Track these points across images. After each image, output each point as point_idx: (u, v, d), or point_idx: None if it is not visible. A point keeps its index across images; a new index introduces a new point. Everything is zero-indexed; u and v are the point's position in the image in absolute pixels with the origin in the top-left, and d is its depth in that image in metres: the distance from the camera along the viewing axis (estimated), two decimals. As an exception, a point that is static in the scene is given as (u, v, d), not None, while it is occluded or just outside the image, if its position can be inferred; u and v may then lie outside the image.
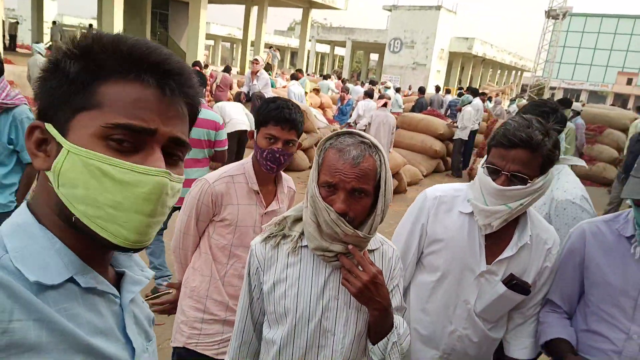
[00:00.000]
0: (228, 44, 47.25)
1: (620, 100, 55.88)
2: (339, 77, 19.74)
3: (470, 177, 9.30)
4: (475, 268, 1.64)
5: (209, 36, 20.94)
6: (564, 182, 2.07)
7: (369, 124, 6.88)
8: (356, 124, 9.75)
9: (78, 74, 0.65)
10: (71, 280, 0.66)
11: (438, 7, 29.53)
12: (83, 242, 0.67)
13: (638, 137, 6.46)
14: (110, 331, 0.71)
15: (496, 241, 1.64)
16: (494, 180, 1.52)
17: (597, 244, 1.65)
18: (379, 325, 1.30)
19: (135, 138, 0.65)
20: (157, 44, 0.70)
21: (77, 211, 0.64)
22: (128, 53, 0.66)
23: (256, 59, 9.78)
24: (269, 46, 20.28)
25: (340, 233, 1.22)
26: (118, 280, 0.77)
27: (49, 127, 0.66)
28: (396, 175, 7.96)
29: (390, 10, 31.48)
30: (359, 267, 1.25)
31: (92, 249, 0.69)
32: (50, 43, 12.40)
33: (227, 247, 1.94)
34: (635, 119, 10.50)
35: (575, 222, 1.90)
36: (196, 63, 10.09)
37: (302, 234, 1.34)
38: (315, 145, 9.48)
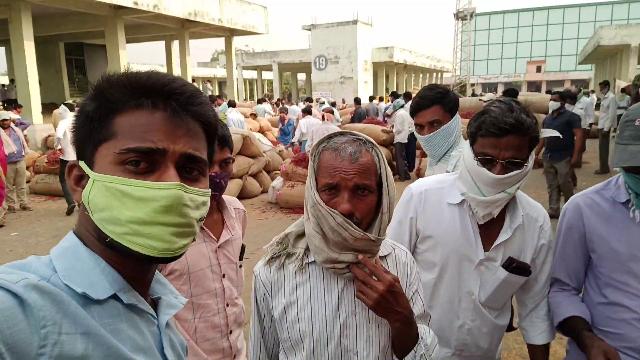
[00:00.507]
0: (152, 82, 46.02)
1: (534, 87, 60.10)
2: (270, 99, 19.93)
3: (419, 177, 9.51)
4: (474, 257, 1.61)
5: (131, 76, 20.34)
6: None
7: (312, 139, 6.83)
8: (300, 143, 9.77)
9: (95, 111, 0.73)
10: (114, 297, 0.71)
11: (355, 22, 30.49)
12: (123, 262, 0.74)
13: (552, 115, 6.97)
14: (150, 350, 0.74)
15: (489, 227, 1.62)
16: (489, 170, 1.49)
17: (594, 216, 1.62)
18: (402, 337, 1.19)
19: (148, 159, 0.71)
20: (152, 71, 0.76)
21: (108, 231, 0.70)
22: (132, 85, 0.73)
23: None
24: (205, 80, 20.20)
25: (349, 238, 1.13)
26: (154, 307, 0.82)
27: (81, 163, 0.74)
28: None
29: (309, 29, 32.14)
30: (373, 277, 1.15)
31: (132, 269, 0.75)
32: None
33: (189, 300, 1.69)
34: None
35: None
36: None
37: (307, 249, 1.24)
38: (264, 169, 9.34)
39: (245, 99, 34.92)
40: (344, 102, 22.51)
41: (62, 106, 9.24)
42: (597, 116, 10.81)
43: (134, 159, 0.70)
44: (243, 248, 1.89)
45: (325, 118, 7.32)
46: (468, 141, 1.60)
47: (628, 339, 1.55)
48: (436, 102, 2.20)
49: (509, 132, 1.45)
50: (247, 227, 2.05)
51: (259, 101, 18.30)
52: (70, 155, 7.95)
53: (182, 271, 1.69)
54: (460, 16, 44.20)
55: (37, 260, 0.71)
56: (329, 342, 1.20)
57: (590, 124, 10.36)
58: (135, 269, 0.76)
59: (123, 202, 0.69)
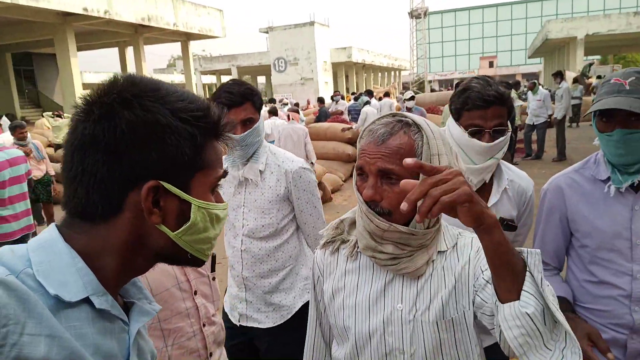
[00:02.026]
0: (106, 91, 44.73)
1: (487, 82, 61.81)
2: None
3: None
4: None
5: (84, 86, 19.63)
6: None
7: (279, 139, 6.77)
8: (266, 144, 9.67)
9: (202, 139, 0.76)
10: (86, 300, 0.69)
11: (312, 23, 30.55)
12: (115, 265, 0.74)
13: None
14: (114, 358, 0.72)
15: (478, 193, 1.70)
16: (478, 139, 1.63)
17: (576, 195, 1.65)
18: (506, 250, 0.86)
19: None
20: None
21: (195, 249, 0.79)
22: (214, 118, 0.78)
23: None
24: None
25: (375, 229, 1.05)
26: (125, 310, 0.79)
27: (168, 186, 0.73)
28: (319, 185, 7.96)
29: (267, 32, 31.99)
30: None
31: (119, 271, 0.75)
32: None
33: (155, 326, 1.47)
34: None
35: None
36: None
37: None
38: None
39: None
40: (308, 102, 22.51)
41: (4, 117, 8.76)
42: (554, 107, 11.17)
43: (217, 185, 0.81)
44: (214, 258, 1.68)
45: (291, 118, 7.25)
46: (451, 118, 1.74)
47: (615, 315, 1.57)
48: (248, 98, 2.03)
49: (493, 103, 1.61)
50: None
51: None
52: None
53: None
54: (414, 15, 45.14)
55: (10, 252, 0.68)
56: (371, 337, 1.12)
57: (550, 115, 10.68)
58: (132, 269, 0.78)
59: (213, 224, 0.80)
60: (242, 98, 2.03)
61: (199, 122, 0.75)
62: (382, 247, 1.09)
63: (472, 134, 1.64)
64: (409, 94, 9.24)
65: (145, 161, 0.71)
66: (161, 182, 0.72)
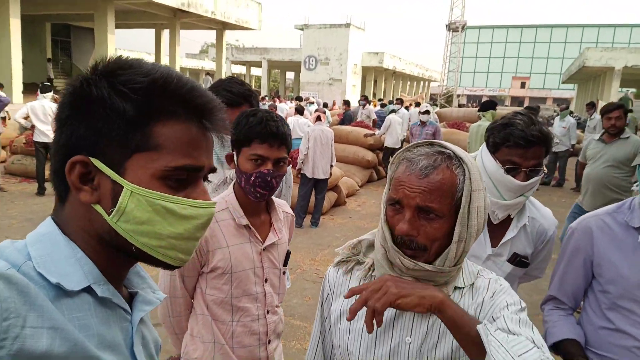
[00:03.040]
0: (138, 70, 45.37)
1: (517, 102, 61.14)
2: (273, 96, 19.91)
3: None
4: (481, 254, 1.73)
5: (117, 62, 20.04)
6: None
7: (307, 140, 6.75)
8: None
9: (136, 115, 0.67)
10: (88, 290, 0.69)
11: (347, 25, 30.52)
12: (104, 257, 0.72)
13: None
14: (118, 347, 0.71)
15: (496, 225, 1.75)
16: (513, 177, 1.61)
17: (606, 239, 1.60)
18: (460, 328, 0.93)
19: (188, 175, 0.72)
20: (187, 77, 0.72)
21: (139, 243, 0.70)
22: (180, 94, 0.70)
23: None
24: (205, 72, 20.37)
25: (400, 266, 1.02)
26: (130, 300, 0.79)
27: (97, 162, 0.68)
28: (335, 188, 7.96)
29: (302, 29, 32.07)
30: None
31: (111, 264, 0.73)
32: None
33: (227, 300, 1.62)
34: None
35: None
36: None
37: None
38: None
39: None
40: (334, 104, 22.54)
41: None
42: (582, 137, 10.84)
43: (178, 177, 0.70)
44: (288, 254, 1.78)
45: (322, 119, 7.24)
46: (486, 149, 1.71)
47: None
48: (247, 99, 2.04)
49: (535, 144, 1.59)
50: None
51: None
52: (44, 135, 7.74)
53: (224, 269, 1.59)
54: (452, 28, 44.73)
55: (11, 245, 0.67)
56: None
57: (572, 145, 10.39)
58: (114, 268, 0.74)
59: (166, 218, 0.70)
60: (241, 99, 2.04)
61: (136, 96, 0.67)
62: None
63: (508, 171, 1.62)
64: (424, 106, 8.71)
65: (77, 135, 0.68)
66: (91, 158, 0.68)
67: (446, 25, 45.21)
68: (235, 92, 2.03)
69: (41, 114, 7.76)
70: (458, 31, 44.29)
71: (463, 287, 1.11)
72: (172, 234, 0.70)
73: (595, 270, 1.64)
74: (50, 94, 8.15)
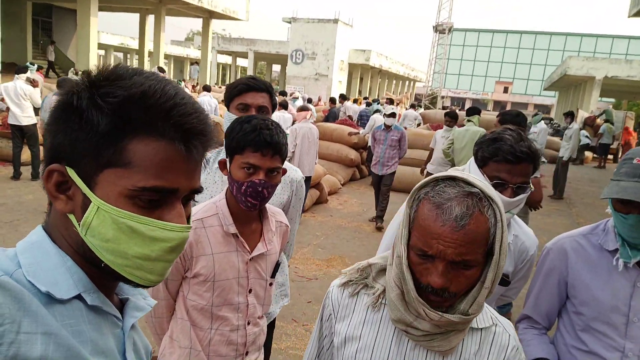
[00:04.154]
0: (121, 54, 44.55)
1: (499, 107, 61.94)
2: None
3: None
4: None
5: (99, 46, 19.52)
6: None
7: (295, 137, 6.69)
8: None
9: (109, 130, 0.65)
10: (78, 297, 0.68)
11: (335, 20, 30.44)
12: (87, 267, 0.71)
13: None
14: (111, 353, 0.72)
15: None
16: (500, 192, 1.58)
17: (580, 261, 1.60)
18: None
19: (160, 196, 0.69)
20: (176, 92, 0.69)
21: (106, 259, 0.69)
22: (157, 109, 0.66)
23: (161, 68, 9.27)
24: (191, 61, 20.20)
25: (424, 316, 0.97)
26: (121, 307, 0.79)
27: (71, 173, 0.68)
28: (317, 185, 7.94)
29: (290, 22, 31.87)
30: None
31: (101, 274, 0.71)
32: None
33: (207, 308, 1.58)
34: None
35: None
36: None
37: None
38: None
39: (217, 84, 34.22)
40: (319, 99, 22.46)
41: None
42: (549, 143, 10.81)
43: (149, 198, 0.67)
44: (277, 265, 1.73)
45: (309, 116, 7.16)
46: (474, 163, 1.69)
47: None
48: (269, 90, 2.11)
49: (524, 160, 1.58)
50: None
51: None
52: (16, 118, 7.51)
53: (207, 277, 1.55)
54: (438, 29, 45.03)
55: (2, 253, 0.68)
56: None
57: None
58: (103, 277, 0.73)
59: (131, 237, 0.67)
60: (264, 86, 2.06)
61: (110, 110, 0.65)
62: (418, 324, 1.00)
63: (495, 186, 1.60)
64: (389, 109, 7.61)
65: (56, 142, 0.69)
66: (67, 167, 0.68)
67: (433, 27, 45.50)
68: (259, 80, 2.09)
69: (13, 95, 7.53)
70: (445, 33, 44.62)
71: (482, 329, 1.07)
72: (139, 255, 0.68)
73: (569, 291, 1.64)
74: (25, 75, 7.90)
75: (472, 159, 1.72)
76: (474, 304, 0.97)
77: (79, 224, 0.68)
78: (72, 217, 0.69)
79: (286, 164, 2.12)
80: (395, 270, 1.02)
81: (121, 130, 0.66)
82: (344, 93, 19.85)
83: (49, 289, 0.65)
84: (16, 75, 7.81)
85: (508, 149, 1.57)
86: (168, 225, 0.69)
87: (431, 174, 5.94)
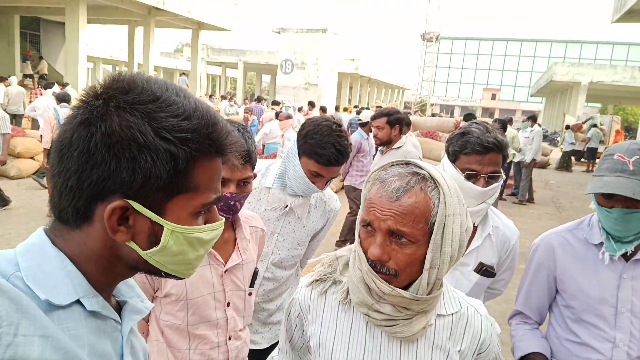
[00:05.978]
0: (110, 67, 44.44)
1: (487, 113, 62.60)
2: (231, 97, 20.06)
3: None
4: None
5: (88, 58, 19.46)
6: None
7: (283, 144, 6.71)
8: (263, 146, 9.66)
9: (185, 161, 0.69)
10: (77, 302, 0.69)
11: (324, 31, 30.66)
12: (102, 270, 0.73)
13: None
14: (109, 357, 0.73)
15: None
16: (473, 183, 1.66)
17: (567, 256, 1.64)
18: None
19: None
20: (214, 112, 0.75)
21: (170, 270, 0.76)
22: (217, 140, 0.73)
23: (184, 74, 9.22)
24: (180, 73, 20.32)
25: (376, 290, 0.97)
26: (119, 309, 0.80)
27: (137, 206, 0.69)
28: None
29: (279, 32, 32.07)
30: None
31: (108, 276, 0.74)
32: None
33: (183, 327, 1.49)
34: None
35: None
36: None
37: None
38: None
39: (207, 94, 34.23)
40: (311, 108, 22.52)
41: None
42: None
43: (206, 209, 0.76)
44: (255, 273, 1.66)
45: (296, 124, 7.19)
46: (447, 159, 1.76)
47: None
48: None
49: (491, 150, 1.65)
50: None
51: (223, 98, 18.14)
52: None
53: (178, 296, 1.47)
54: (426, 38, 45.55)
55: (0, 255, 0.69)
56: None
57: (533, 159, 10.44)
58: (118, 275, 0.77)
59: (194, 246, 0.75)
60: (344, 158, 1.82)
61: (185, 145, 0.68)
62: (379, 307, 1.00)
63: (468, 178, 1.68)
64: (367, 113, 6.97)
65: (115, 178, 0.66)
66: (130, 201, 0.68)
67: (421, 35, 46.02)
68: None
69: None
70: (432, 41, 45.13)
71: (445, 315, 1.07)
72: (197, 257, 0.77)
73: (558, 285, 1.68)
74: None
75: (445, 156, 1.78)
76: (420, 287, 0.97)
77: (141, 248, 0.71)
78: (132, 244, 0.71)
79: (327, 191, 2.03)
80: (356, 252, 1.04)
81: (193, 160, 0.70)
82: (333, 102, 19.94)
83: (47, 295, 0.65)
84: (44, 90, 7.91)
85: (475, 141, 1.66)
86: (216, 225, 0.78)
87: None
